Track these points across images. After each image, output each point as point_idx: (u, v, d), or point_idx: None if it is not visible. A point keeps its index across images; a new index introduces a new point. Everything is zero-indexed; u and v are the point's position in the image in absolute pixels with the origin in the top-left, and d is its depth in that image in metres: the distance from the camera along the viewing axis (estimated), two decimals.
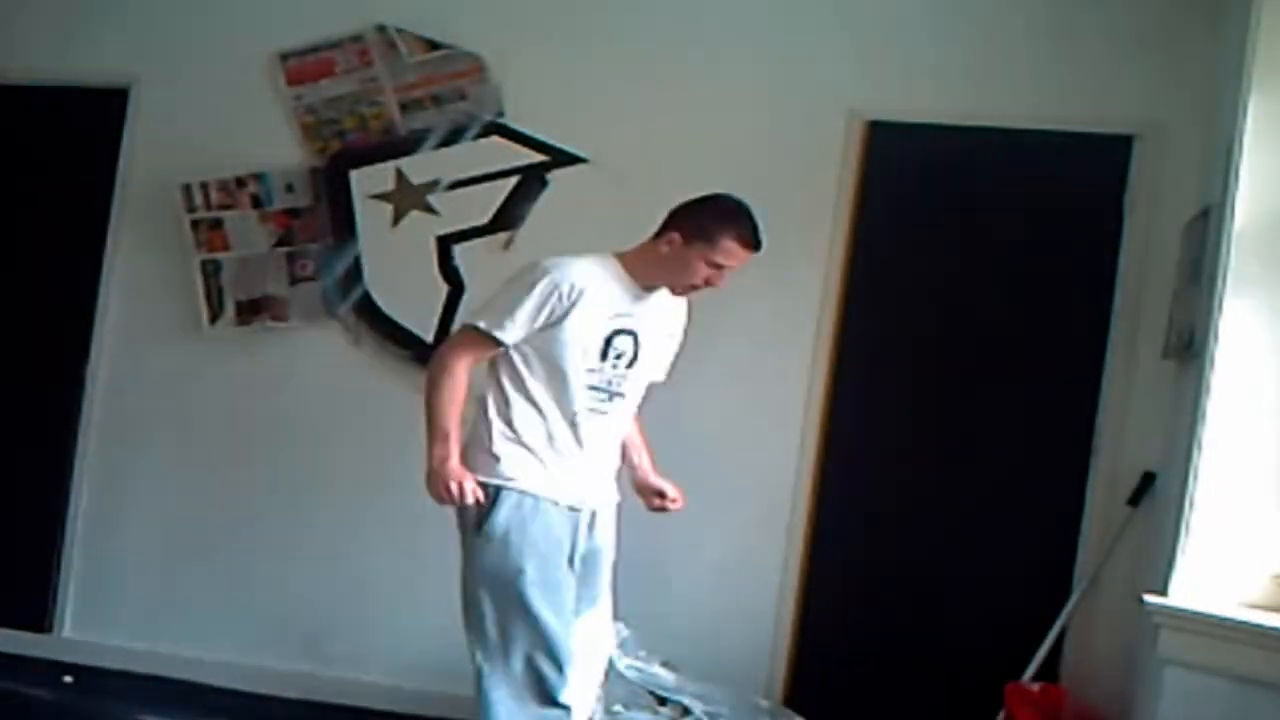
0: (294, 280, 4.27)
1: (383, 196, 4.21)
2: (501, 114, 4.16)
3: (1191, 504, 2.93)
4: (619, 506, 3.06)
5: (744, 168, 4.02)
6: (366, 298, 4.24)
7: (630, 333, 2.92)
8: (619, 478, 3.07)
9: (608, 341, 2.88)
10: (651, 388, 3.08)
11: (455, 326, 2.89)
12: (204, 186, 4.32)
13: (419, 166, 4.21)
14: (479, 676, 2.83)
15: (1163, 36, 3.74)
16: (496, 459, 2.88)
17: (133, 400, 4.39)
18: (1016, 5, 3.88)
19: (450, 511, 2.92)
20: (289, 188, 4.27)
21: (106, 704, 4.00)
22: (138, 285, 4.41)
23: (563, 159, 4.12)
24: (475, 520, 2.87)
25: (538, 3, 4.19)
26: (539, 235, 4.12)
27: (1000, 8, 3.89)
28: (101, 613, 4.39)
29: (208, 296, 4.30)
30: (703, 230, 2.89)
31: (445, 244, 4.15)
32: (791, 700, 3.86)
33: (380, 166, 4.22)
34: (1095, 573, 3.67)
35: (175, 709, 3.89)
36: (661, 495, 3.09)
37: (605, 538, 3.03)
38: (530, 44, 4.16)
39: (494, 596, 2.83)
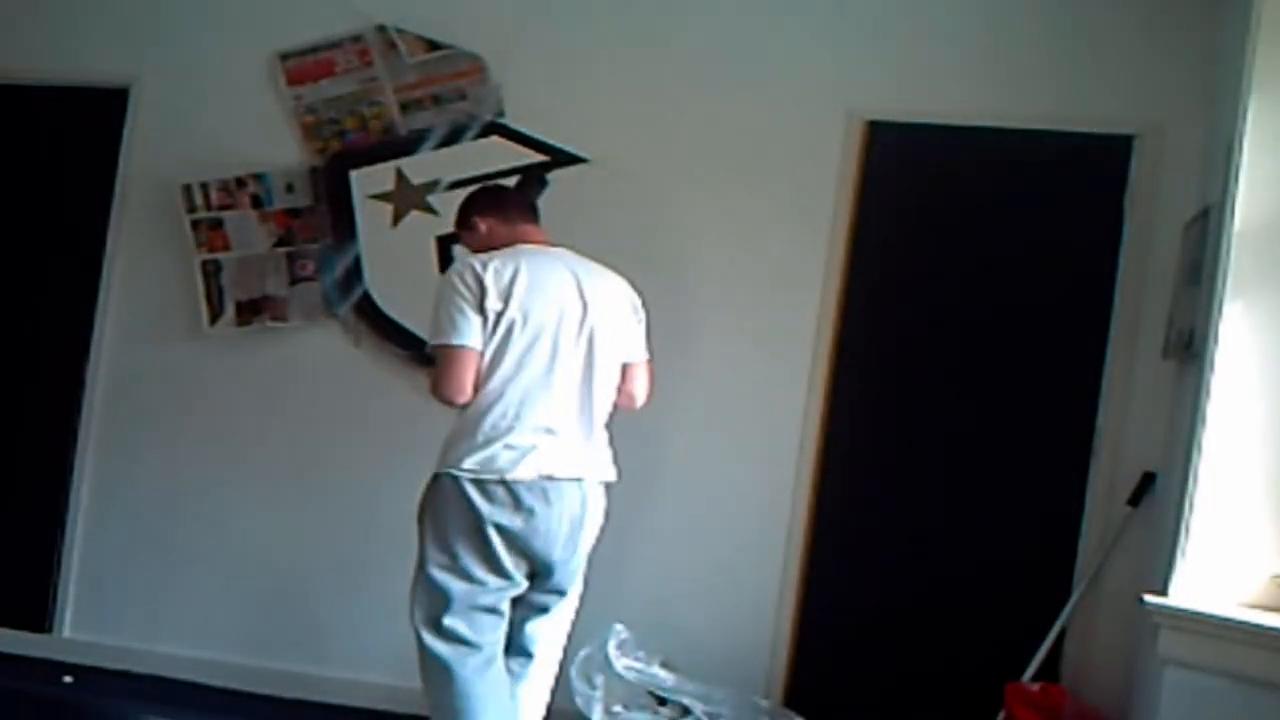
0: (294, 280, 4.27)
1: (383, 196, 4.21)
2: (501, 114, 4.16)
3: (1191, 504, 2.94)
4: None
5: (744, 168, 4.03)
6: (366, 298, 4.24)
7: None
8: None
9: None
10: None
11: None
12: (204, 186, 4.32)
13: (419, 166, 4.21)
14: None
15: (1162, 36, 3.74)
16: None
17: (133, 400, 4.39)
18: (1016, 5, 3.88)
19: None
20: (289, 188, 4.27)
21: (106, 704, 4.00)
22: (138, 285, 4.40)
23: (563, 159, 4.12)
24: None
25: (538, 3, 4.19)
26: None
27: (1000, 8, 3.89)
28: (101, 613, 4.39)
29: (208, 296, 4.30)
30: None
31: (445, 244, 4.14)
32: (791, 700, 3.86)
33: (380, 166, 4.22)
34: (1095, 573, 3.67)
35: (175, 709, 3.89)
36: None
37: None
38: (530, 44, 4.16)
39: None
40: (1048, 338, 3.82)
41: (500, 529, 2.93)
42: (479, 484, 2.93)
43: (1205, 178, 3.49)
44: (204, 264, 4.30)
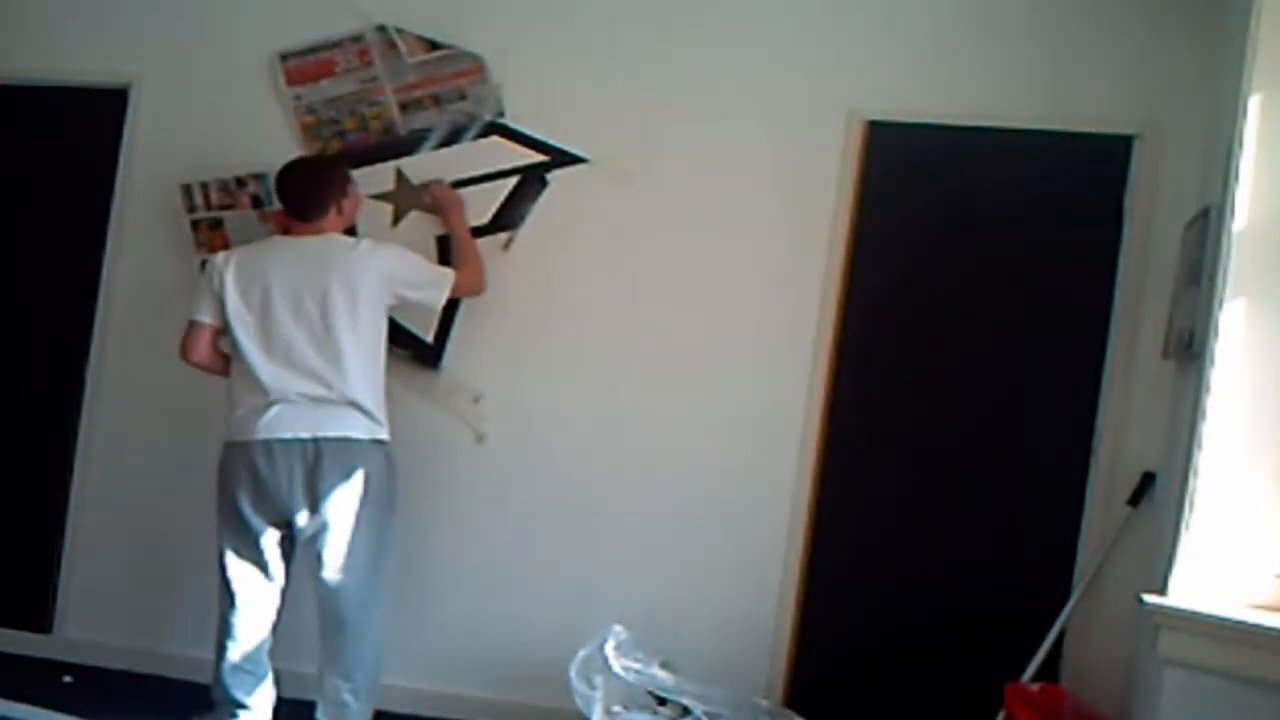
0: None
1: (383, 196, 4.21)
2: (501, 114, 4.16)
3: (1191, 504, 2.94)
4: None
5: (744, 168, 4.03)
6: None
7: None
8: None
9: None
10: None
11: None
12: (204, 186, 4.32)
13: (419, 166, 4.21)
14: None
15: (1163, 36, 3.74)
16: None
17: (133, 400, 4.39)
18: (1017, 5, 3.88)
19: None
20: None
21: (106, 704, 4.00)
22: (138, 285, 4.41)
23: (563, 159, 4.12)
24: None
25: (538, 3, 4.19)
26: (539, 235, 4.13)
27: (1000, 8, 3.89)
28: (101, 613, 4.39)
29: None
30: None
31: (445, 244, 4.15)
32: (791, 700, 3.86)
33: (380, 166, 4.22)
34: (1095, 573, 3.67)
35: (175, 709, 3.89)
36: None
37: None
38: (530, 44, 4.16)
39: None
40: (1048, 337, 3.82)
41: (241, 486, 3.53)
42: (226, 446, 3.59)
43: (1205, 178, 3.49)
44: (204, 264, 4.29)
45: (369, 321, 3.59)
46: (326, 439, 3.49)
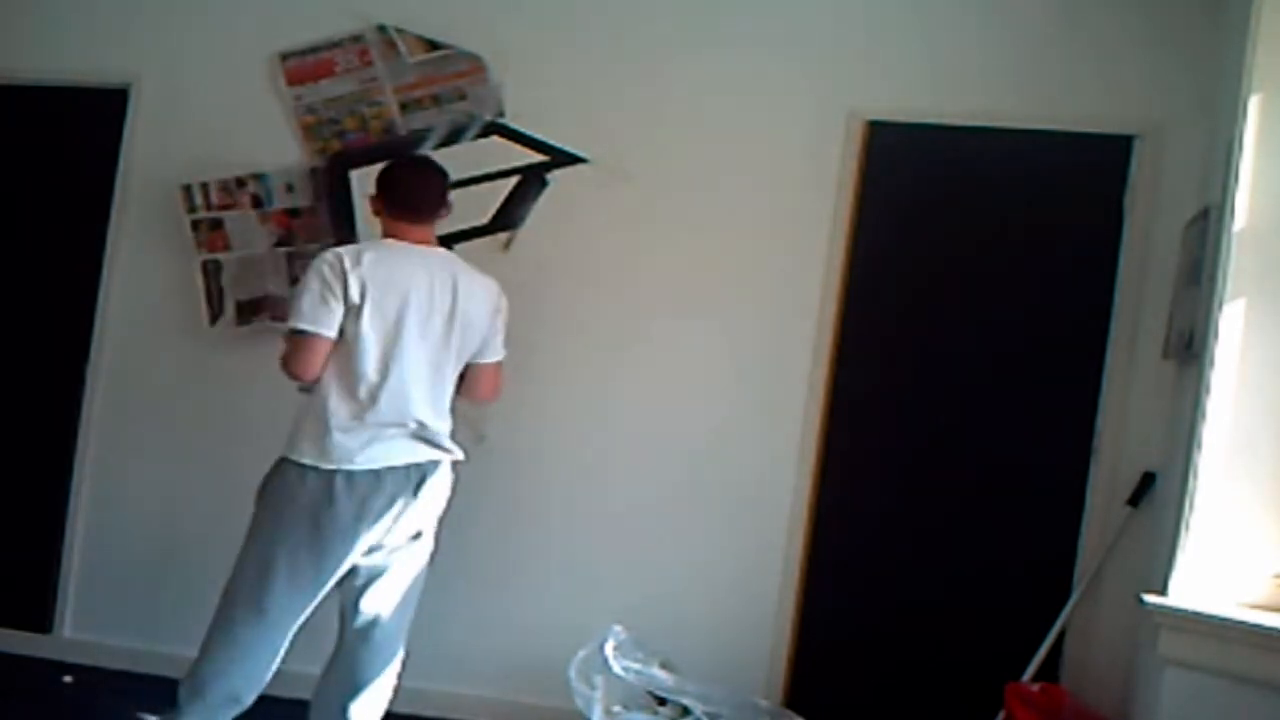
0: (294, 280, 4.25)
1: None
2: (501, 114, 4.16)
3: (1191, 504, 2.94)
4: None
5: (744, 168, 4.03)
6: None
7: None
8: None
9: None
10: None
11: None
12: (204, 186, 4.32)
13: None
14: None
15: (1163, 36, 3.74)
16: None
17: (133, 400, 4.39)
18: (1017, 5, 3.88)
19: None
20: (289, 188, 4.27)
21: (106, 704, 4.00)
22: (138, 285, 4.40)
23: (563, 159, 4.12)
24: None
25: (538, 3, 4.20)
26: (539, 235, 4.13)
27: (1000, 8, 3.89)
28: (101, 613, 4.39)
29: (208, 296, 4.30)
30: None
31: (445, 244, 4.12)
32: (791, 700, 3.86)
33: (380, 166, 4.20)
34: (1095, 573, 3.67)
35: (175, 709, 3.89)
36: None
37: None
38: (530, 44, 4.16)
39: None
40: (1048, 338, 3.82)
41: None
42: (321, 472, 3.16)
43: (1205, 178, 3.49)
44: (204, 264, 4.31)
45: (466, 351, 3.34)
46: (430, 464, 3.24)
